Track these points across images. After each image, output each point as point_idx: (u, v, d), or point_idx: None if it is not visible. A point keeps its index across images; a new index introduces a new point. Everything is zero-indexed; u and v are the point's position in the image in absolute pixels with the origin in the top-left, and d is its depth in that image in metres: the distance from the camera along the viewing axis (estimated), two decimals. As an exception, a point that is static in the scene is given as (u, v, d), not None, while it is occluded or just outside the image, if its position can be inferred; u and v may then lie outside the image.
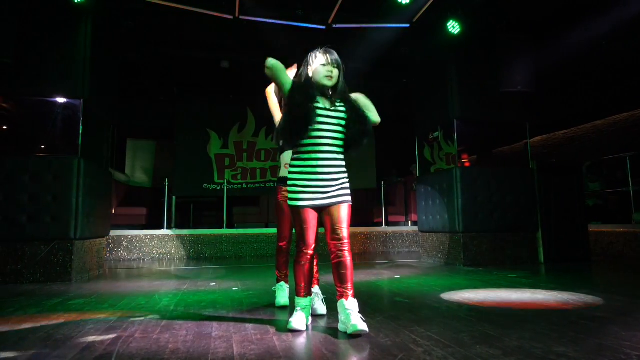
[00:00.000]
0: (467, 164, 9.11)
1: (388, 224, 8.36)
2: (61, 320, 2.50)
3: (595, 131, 8.89)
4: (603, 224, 6.72)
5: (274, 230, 7.49)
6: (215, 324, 2.38)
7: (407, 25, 5.99)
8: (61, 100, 4.56)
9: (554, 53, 5.96)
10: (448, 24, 5.37)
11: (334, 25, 5.96)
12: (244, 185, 9.24)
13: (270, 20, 5.86)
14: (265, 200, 8.89)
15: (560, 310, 2.61)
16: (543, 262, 5.38)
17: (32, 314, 2.70)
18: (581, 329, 2.14)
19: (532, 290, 3.35)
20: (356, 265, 5.55)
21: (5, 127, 5.43)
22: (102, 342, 2.03)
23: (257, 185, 9.35)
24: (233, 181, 8.85)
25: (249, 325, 2.34)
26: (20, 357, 1.81)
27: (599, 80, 7.15)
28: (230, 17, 5.62)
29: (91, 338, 2.11)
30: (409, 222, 8.71)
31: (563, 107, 8.32)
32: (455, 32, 5.37)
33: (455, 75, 5.53)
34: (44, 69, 4.38)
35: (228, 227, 7.66)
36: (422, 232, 6.22)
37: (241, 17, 5.62)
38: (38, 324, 2.41)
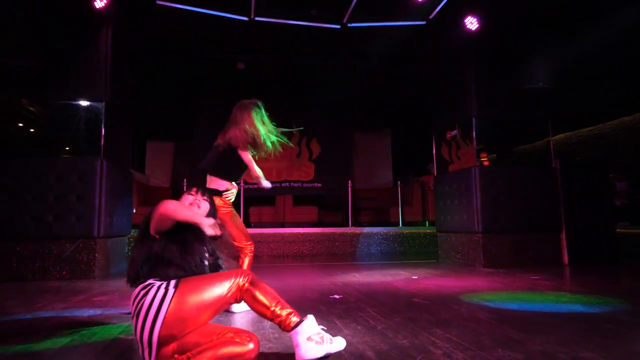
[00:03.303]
0: (486, 163, 8.96)
1: (405, 224, 8.30)
2: (86, 316, 2.58)
3: (623, 127, 8.62)
4: (632, 225, 6.51)
5: (290, 230, 7.52)
6: (232, 323, 2.41)
7: (423, 23, 5.93)
8: (84, 103, 4.68)
9: (578, 47, 5.79)
10: (466, 20, 5.29)
11: (349, 25, 5.95)
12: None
13: (285, 21, 5.89)
14: (281, 200, 8.94)
15: (586, 314, 2.54)
16: (567, 264, 5.24)
17: (59, 309, 2.79)
18: (609, 333, 2.08)
19: (556, 293, 3.27)
20: (373, 266, 5.53)
21: (32, 130, 5.62)
22: (126, 336, 2.10)
23: (273, 185, 9.39)
24: (249, 182, 8.91)
25: (267, 324, 2.35)
26: (49, 351, 1.88)
27: (626, 74, 6.92)
28: (246, 18, 5.67)
29: (116, 332, 2.17)
30: (426, 222, 8.63)
31: (588, 103, 8.07)
32: (473, 28, 5.29)
33: (474, 72, 5.44)
34: (68, 73, 4.51)
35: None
36: (439, 232, 6.15)
37: (256, 18, 5.67)
38: (65, 320, 2.49)
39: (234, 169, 3.01)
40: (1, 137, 4.92)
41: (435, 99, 6.44)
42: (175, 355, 1.49)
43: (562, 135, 9.70)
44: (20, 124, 5.24)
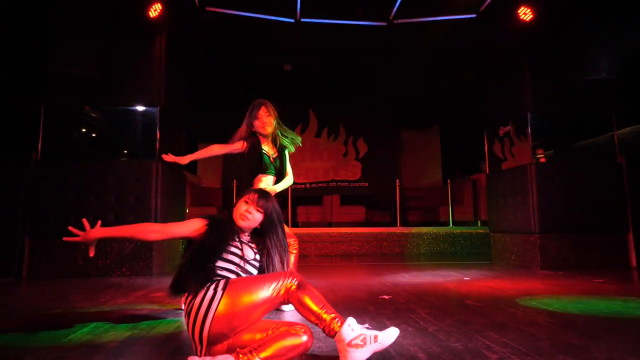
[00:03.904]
0: (542, 160, 8.47)
1: (455, 223, 8.03)
2: (145, 311, 2.72)
3: (699, 119, 7.80)
4: None
5: (337, 229, 7.53)
6: (282, 322, 2.43)
7: (474, 16, 5.71)
8: (140, 108, 4.97)
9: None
10: (519, 11, 5.02)
11: (395, 21, 5.85)
12: (307, 185, 9.39)
13: (331, 21, 5.90)
14: (328, 200, 8.97)
15: (660, 321, 2.32)
16: (635, 267, 4.83)
17: (121, 304, 2.98)
18: (687, 343, 1.88)
19: (624, 298, 3.02)
20: (423, 266, 5.40)
21: (94, 135, 6.06)
22: (182, 331, 2.20)
23: (320, 185, 9.45)
24: (296, 182, 9.02)
25: (315, 323, 2.36)
26: (112, 343, 2.01)
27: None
28: (292, 20, 5.74)
29: (172, 327, 2.27)
30: (478, 222, 8.29)
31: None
32: (527, 19, 5.01)
33: (528, 64, 5.16)
34: (125, 80, 4.79)
35: (292, 226, 7.83)
36: (492, 232, 5.89)
37: (302, 19, 5.73)
38: (126, 314, 2.65)
39: (246, 165, 3.06)
40: (67, 142, 5.32)
41: (486, 94, 6.18)
42: (238, 350, 1.53)
43: (628, 128, 8.92)
44: (84, 129, 5.66)
